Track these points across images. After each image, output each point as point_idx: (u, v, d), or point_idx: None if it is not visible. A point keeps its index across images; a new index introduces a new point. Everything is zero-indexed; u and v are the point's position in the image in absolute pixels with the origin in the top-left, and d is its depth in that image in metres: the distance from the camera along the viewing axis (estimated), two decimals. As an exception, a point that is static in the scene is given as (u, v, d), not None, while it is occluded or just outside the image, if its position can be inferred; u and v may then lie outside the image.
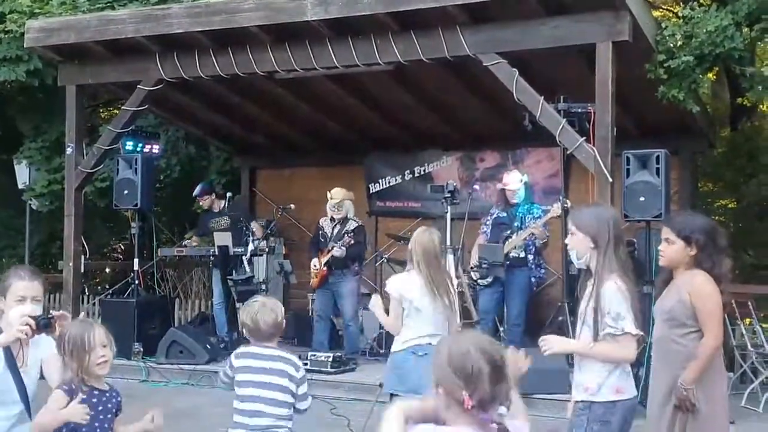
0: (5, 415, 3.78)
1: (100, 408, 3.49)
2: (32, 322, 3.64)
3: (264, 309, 4.31)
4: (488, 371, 2.25)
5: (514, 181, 8.76)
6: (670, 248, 4.06)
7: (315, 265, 9.17)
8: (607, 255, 3.69)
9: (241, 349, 4.41)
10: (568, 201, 7.96)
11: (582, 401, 3.76)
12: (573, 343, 3.89)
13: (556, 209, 8.29)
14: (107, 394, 3.56)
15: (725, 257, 4.12)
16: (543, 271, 8.92)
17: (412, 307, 5.23)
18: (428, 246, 5.25)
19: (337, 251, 8.99)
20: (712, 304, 3.99)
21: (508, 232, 8.65)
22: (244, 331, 4.41)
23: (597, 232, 3.73)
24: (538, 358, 7.40)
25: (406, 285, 5.29)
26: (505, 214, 8.81)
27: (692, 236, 4.02)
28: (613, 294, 3.64)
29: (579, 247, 3.79)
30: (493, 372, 2.26)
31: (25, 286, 3.87)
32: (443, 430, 2.28)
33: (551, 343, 3.80)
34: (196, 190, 10.70)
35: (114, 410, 3.56)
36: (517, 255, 8.56)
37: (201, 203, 10.68)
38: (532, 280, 8.76)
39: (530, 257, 8.65)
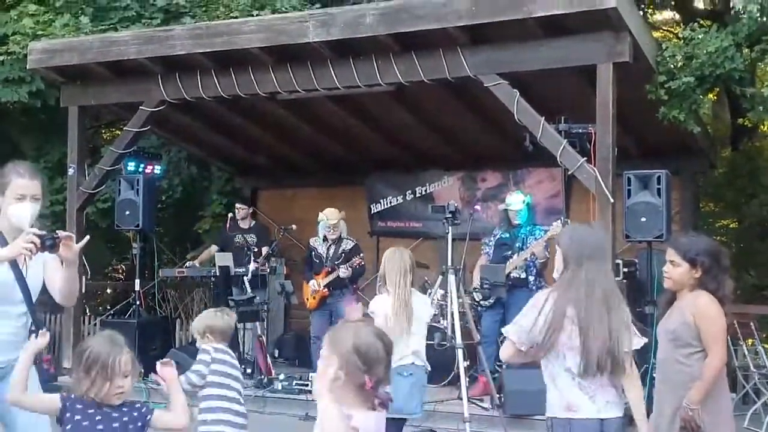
0: (15, 312, 3.87)
1: (101, 428, 3.27)
2: (37, 241, 3.64)
3: (221, 312, 4.56)
4: (385, 358, 2.68)
5: (516, 201, 8.75)
6: (676, 270, 4.07)
7: (315, 286, 9.15)
8: (566, 273, 3.73)
9: (214, 351, 4.58)
10: (569, 221, 7.94)
11: (546, 417, 3.84)
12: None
13: (555, 228, 8.29)
14: (121, 411, 3.31)
15: (728, 278, 4.14)
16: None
17: (392, 326, 5.25)
18: (395, 266, 5.37)
19: (344, 272, 8.97)
20: (717, 326, 4.00)
21: (509, 252, 8.64)
22: (209, 336, 4.55)
23: (566, 250, 3.77)
24: (534, 379, 7.36)
25: (387, 305, 5.35)
26: (507, 235, 8.79)
27: (698, 258, 4.04)
28: (531, 300, 3.83)
29: (557, 263, 3.85)
30: (387, 358, 2.69)
31: (25, 184, 3.86)
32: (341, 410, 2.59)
33: None
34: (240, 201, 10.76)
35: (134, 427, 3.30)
36: (518, 275, 8.53)
37: (238, 213, 10.58)
38: None
39: (531, 278, 8.62)
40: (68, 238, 3.74)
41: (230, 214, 10.58)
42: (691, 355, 3.98)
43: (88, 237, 4.07)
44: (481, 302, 8.60)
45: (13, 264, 3.83)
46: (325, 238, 9.26)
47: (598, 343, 3.61)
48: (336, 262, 9.09)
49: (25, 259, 3.77)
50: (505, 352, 3.85)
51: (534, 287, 8.63)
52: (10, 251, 3.71)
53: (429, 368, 5.68)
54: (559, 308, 3.61)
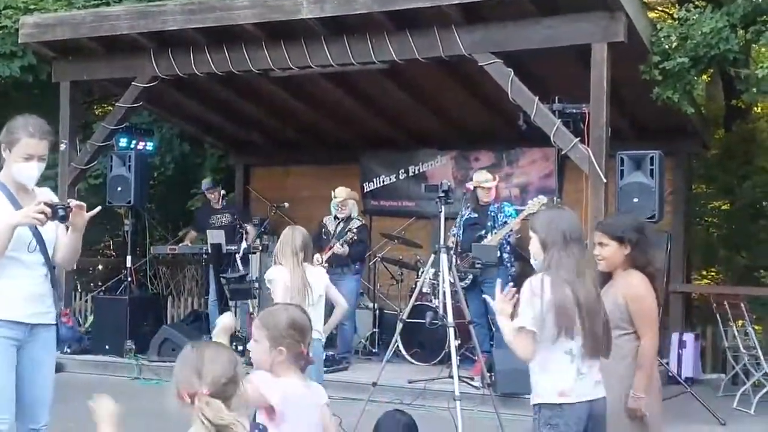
0: (35, 261, 3.89)
1: None
2: (48, 210, 3.66)
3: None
4: (309, 325, 3.17)
5: (488, 179, 8.81)
6: (605, 251, 4.09)
7: (318, 261, 9.11)
8: (548, 256, 3.63)
9: None
10: (561, 201, 7.97)
11: (534, 404, 3.70)
12: (506, 322, 3.70)
13: (532, 206, 8.33)
14: None
15: (655, 253, 4.29)
16: (514, 268, 8.86)
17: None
18: (288, 244, 5.52)
19: (339, 248, 8.99)
20: (647, 307, 4.03)
21: (483, 231, 8.66)
22: None
23: (546, 235, 3.67)
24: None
25: (285, 277, 5.49)
26: (476, 215, 8.83)
27: (624, 235, 4.08)
28: (522, 292, 3.61)
29: (534, 249, 3.74)
30: (310, 324, 3.20)
31: (35, 144, 3.85)
32: (282, 381, 3.05)
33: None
34: (206, 183, 10.70)
35: None
36: None
37: (209, 196, 10.61)
38: (508, 278, 8.75)
39: (506, 255, 8.67)
40: (79, 207, 3.79)
41: (208, 197, 10.65)
42: (620, 337, 3.97)
43: (100, 207, 4.09)
44: (459, 283, 8.60)
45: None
46: (335, 217, 9.27)
47: (599, 323, 3.61)
48: (341, 240, 9.12)
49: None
50: (528, 347, 3.58)
51: (508, 264, 8.68)
52: (21, 218, 3.74)
53: (324, 339, 5.81)
54: (559, 291, 3.58)
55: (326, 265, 9.02)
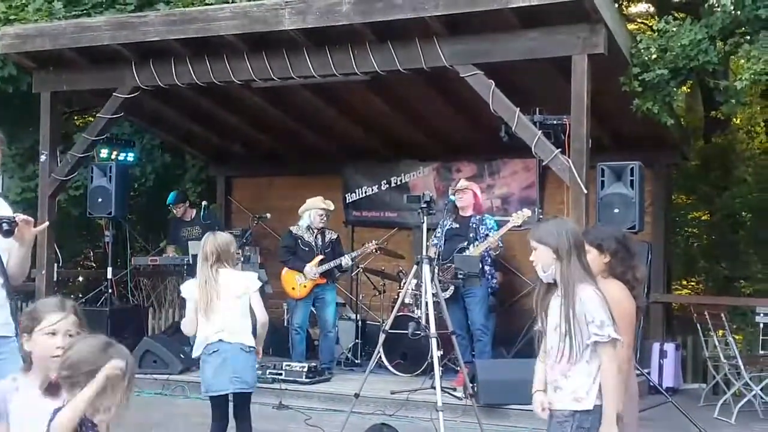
0: None
1: None
2: None
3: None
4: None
5: (462, 185, 8.91)
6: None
7: (312, 274, 9.07)
8: (572, 264, 3.73)
9: None
10: (542, 212, 8.00)
11: (568, 410, 3.74)
12: (607, 420, 3.71)
13: (515, 218, 8.38)
14: None
15: (638, 264, 4.33)
16: (495, 280, 8.98)
17: (199, 308, 5.46)
18: (201, 251, 5.57)
19: (346, 261, 9.15)
20: (624, 315, 4.07)
21: (465, 243, 8.69)
22: None
23: (557, 244, 3.76)
24: (512, 368, 7.41)
25: (192, 288, 5.55)
26: (457, 225, 8.85)
27: (603, 244, 4.20)
28: (593, 301, 3.67)
29: (543, 261, 3.81)
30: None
31: None
32: None
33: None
34: (170, 198, 10.69)
35: None
36: None
37: (174, 211, 10.65)
38: (489, 290, 8.79)
39: (486, 268, 8.71)
40: (26, 222, 3.72)
41: (173, 211, 10.71)
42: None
43: (47, 223, 4.04)
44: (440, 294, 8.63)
45: None
46: (308, 228, 9.22)
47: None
48: (326, 251, 9.12)
49: None
50: (616, 358, 3.70)
51: (489, 276, 8.72)
52: None
53: (247, 343, 5.54)
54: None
55: (323, 277, 9.08)
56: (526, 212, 8.59)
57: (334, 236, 9.43)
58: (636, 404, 4.33)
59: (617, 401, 3.70)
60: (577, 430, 3.70)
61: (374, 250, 9.46)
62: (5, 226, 3.63)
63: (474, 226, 8.79)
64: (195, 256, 9.68)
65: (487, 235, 8.67)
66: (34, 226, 3.86)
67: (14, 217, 3.73)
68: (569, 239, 3.75)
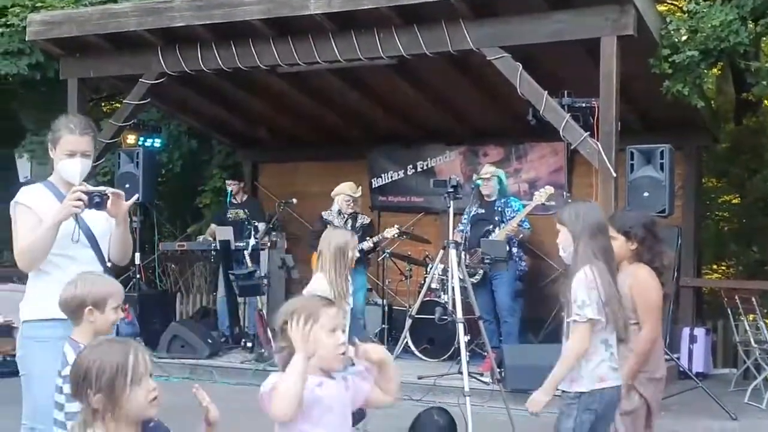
0: (89, 255, 3.88)
1: None
2: (85, 198, 3.67)
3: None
4: None
5: (486, 171, 8.89)
6: (613, 244, 4.14)
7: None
8: (580, 247, 3.75)
9: None
10: (570, 196, 7.95)
11: (568, 391, 3.79)
12: (546, 386, 3.84)
13: (538, 197, 8.36)
14: None
15: (666, 250, 4.37)
16: (524, 263, 8.98)
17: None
18: (330, 248, 5.32)
19: (368, 245, 9.10)
20: (652, 299, 4.14)
21: (491, 226, 8.67)
22: None
23: (573, 225, 3.81)
24: (535, 354, 7.35)
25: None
26: (483, 210, 8.83)
27: (631, 230, 4.20)
28: (578, 282, 3.71)
29: (564, 242, 3.88)
30: None
31: (75, 140, 3.89)
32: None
33: (535, 404, 3.86)
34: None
35: None
36: None
37: (229, 188, 10.60)
38: (517, 272, 8.76)
39: (513, 250, 8.67)
40: (116, 195, 3.77)
41: (229, 189, 10.61)
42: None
43: (137, 196, 4.07)
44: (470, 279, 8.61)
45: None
46: (339, 212, 9.23)
47: (623, 311, 3.78)
48: (357, 235, 9.12)
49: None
50: (588, 337, 3.69)
51: (518, 258, 8.71)
52: (61, 214, 3.73)
53: None
54: (607, 282, 3.69)
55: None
56: (549, 189, 8.56)
57: (366, 221, 9.46)
58: (661, 388, 4.33)
59: (562, 375, 3.75)
60: (581, 412, 3.73)
61: (395, 235, 9.40)
62: (96, 199, 3.70)
63: (499, 209, 8.76)
64: (222, 242, 9.81)
65: (513, 217, 8.64)
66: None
67: (105, 190, 3.77)
68: (584, 221, 3.78)
